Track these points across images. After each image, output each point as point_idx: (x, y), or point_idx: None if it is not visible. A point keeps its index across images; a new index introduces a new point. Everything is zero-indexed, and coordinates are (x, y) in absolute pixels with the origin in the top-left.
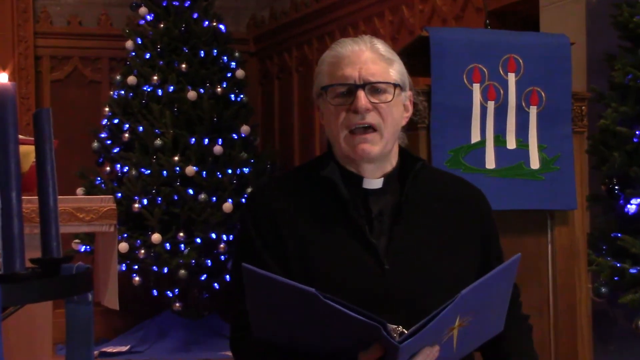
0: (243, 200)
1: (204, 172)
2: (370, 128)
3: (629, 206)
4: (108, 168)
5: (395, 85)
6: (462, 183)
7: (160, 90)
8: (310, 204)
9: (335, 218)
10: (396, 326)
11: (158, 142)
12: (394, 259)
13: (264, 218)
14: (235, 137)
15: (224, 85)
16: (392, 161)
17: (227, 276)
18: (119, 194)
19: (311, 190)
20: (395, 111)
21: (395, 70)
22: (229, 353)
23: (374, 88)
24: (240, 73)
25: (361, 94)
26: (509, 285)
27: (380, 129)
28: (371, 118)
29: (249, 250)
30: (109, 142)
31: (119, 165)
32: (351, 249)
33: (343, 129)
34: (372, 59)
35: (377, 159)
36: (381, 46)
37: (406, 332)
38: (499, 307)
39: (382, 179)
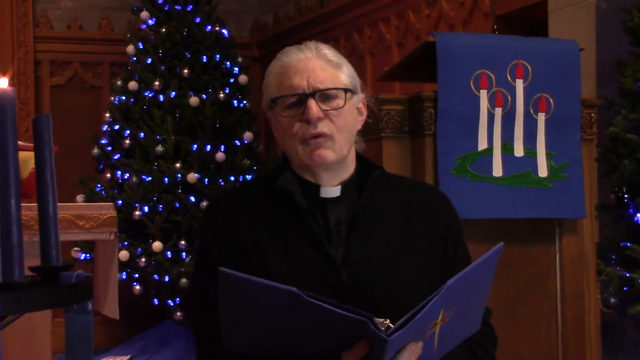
0: None
1: (206, 179)
2: (323, 136)
3: (638, 215)
4: (108, 175)
5: (346, 90)
6: (424, 188)
7: (161, 96)
8: (268, 214)
9: (293, 228)
10: (382, 320)
11: (159, 148)
12: (351, 269)
13: (223, 229)
14: (238, 144)
15: (227, 91)
16: (350, 168)
17: None
18: (120, 201)
19: (268, 200)
20: (348, 116)
21: (345, 74)
22: None
23: (324, 95)
24: (243, 78)
25: (312, 103)
26: (490, 277)
27: (333, 135)
28: (324, 126)
29: (211, 261)
30: (109, 148)
31: (119, 172)
32: (309, 260)
33: (297, 140)
34: (319, 65)
35: (333, 165)
36: (328, 51)
37: (392, 326)
38: (479, 301)
39: (339, 187)
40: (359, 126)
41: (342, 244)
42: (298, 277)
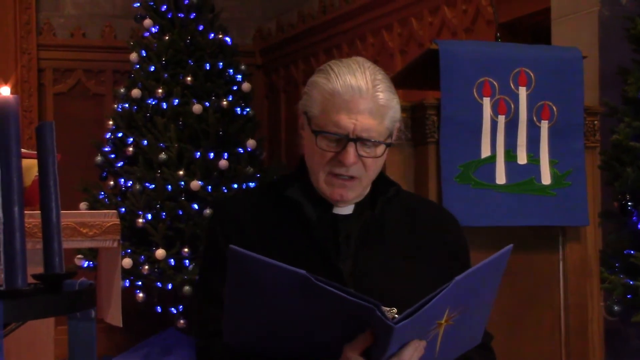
0: None
1: (209, 187)
2: (351, 178)
3: None
4: (112, 182)
5: (387, 144)
6: (435, 209)
7: (164, 104)
8: (277, 222)
9: (301, 239)
10: (389, 308)
11: (162, 156)
12: (358, 282)
13: (233, 229)
14: (241, 151)
15: (230, 99)
16: (365, 190)
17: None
18: (123, 209)
19: (277, 208)
20: (379, 162)
21: (390, 119)
22: None
23: (365, 143)
24: (246, 86)
25: (351, 148)
26: (496, 281)
27: (362, 178)
28: (355, 171)
29: (219, 258)
30: (112, 156)
31: (122, 180)
32: (315, 271)
33: (324, 171)
34: (369, 110)
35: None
36: (381, 92)
37: (398, 316)
38: (483, 309)
39: (353, 205)
40: (383, 163)
41: (351, 258)
42: None
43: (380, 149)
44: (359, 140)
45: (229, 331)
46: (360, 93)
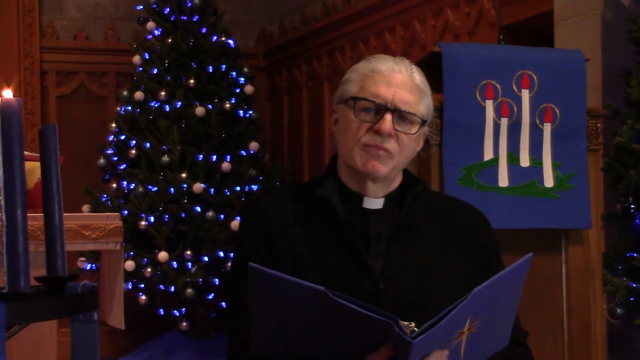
0: None
1: (212, 189)
2: (386, 151)
3: None
4: (114, 185)
5: (422, 121)
6: (463, 206)
7: (167, 106)
8: (306, 221)
9: (331, 237)
10: (408, 323)
11: (165, 158)
12: (389, 279)
13: (259, 233)
14: (244, 154)
15: (233, 101)
16: (395, 183)
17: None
18: (125, 212)
19: (307, 208)
20: (413, 143)
21: (425, 105)
22: None
23: (401, 116)
24: (249, 89)
25: (388, 117)
26: (518, 289)
27: (395, 155)
28: (390, 144)
29: (245, 265)
30: (115, 158)
31: (125, 182)
32: (346, 269)
33: (360, 144)
34: (407, 85)
35: (380, 181)
36: (418, 76)
37: (417, 330)
38: (507, 314)
39: (383, 199)
40: (414, 155)
41: (382, 255)
42: (334, 286)
43: (415, 127)
44: (397, 111)
45: (256, 341)
46: (400, 71)
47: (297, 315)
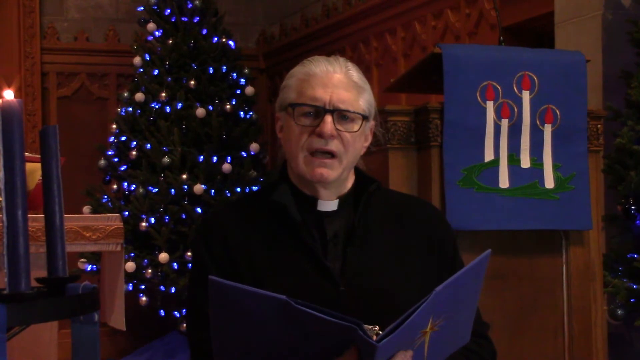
0: None
1: (213, 191)
2: (331, 154)
3: None
4: (115, 186)
5: (364, 117)
6: (418, 203)
7: (168, 107)
8: (263, 229)
9: (288, 242)
10: (372, 326)
11: (166, 159)
12: (348, 280)
13: (216, 244)
14: (244, 155)
15: (233, 102)
16: (348, 183)
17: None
18: (126, 213)
19: (263, 215)
20: (357, 141)
21: (365, 100)
22: None
23: (341, 115)
24: (249, 90)
25: (328, 119)
26: (478, 285)
27: (341, 156)
28: (334, 145)
29: (204, 275)
30: (116, 159)
31: (126, 183)
32: (305, 273)
33: (303, 150)
34: (344, 84)
35: (332, 184)
36: (354, 72)
37: (381, 333)
38: (468, 311)
39: (337, 201)
40: (362, 152)
41: (339, 257)
42: (294, 290)
43: (357, 124)
44: (336, 110)
45: (218, 354)
46: (335, 71)
47: (260, 326)
